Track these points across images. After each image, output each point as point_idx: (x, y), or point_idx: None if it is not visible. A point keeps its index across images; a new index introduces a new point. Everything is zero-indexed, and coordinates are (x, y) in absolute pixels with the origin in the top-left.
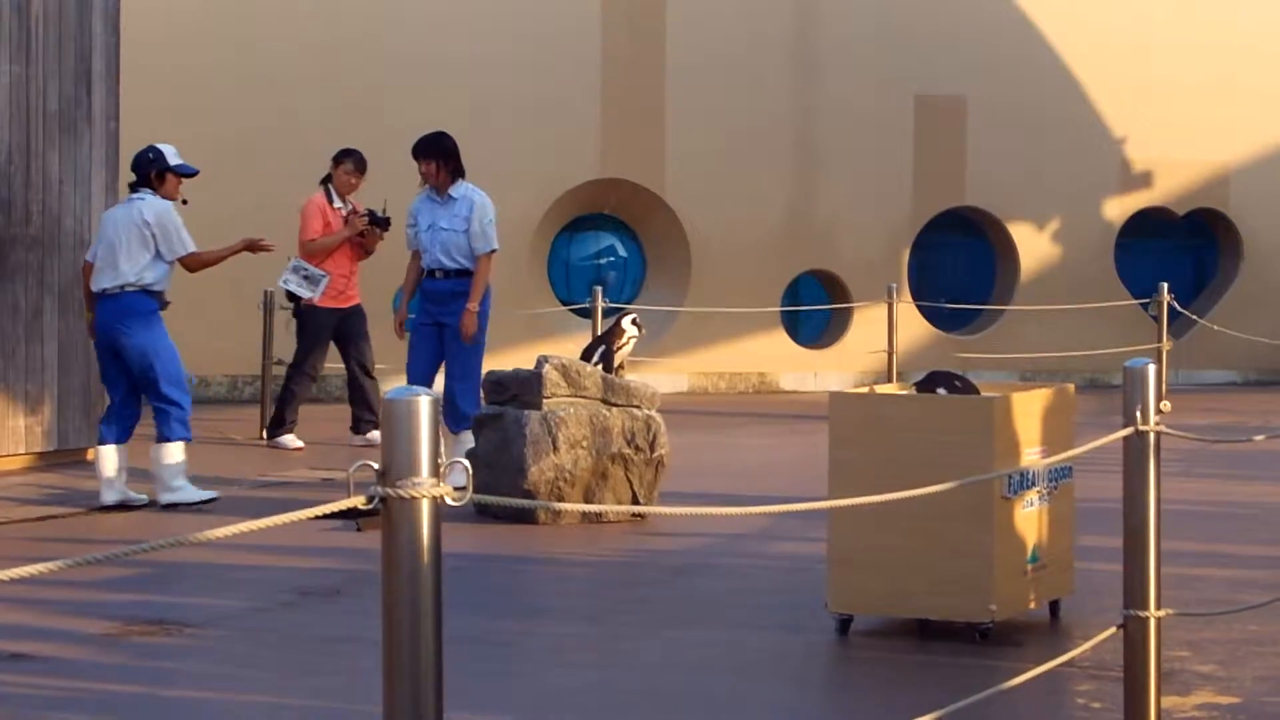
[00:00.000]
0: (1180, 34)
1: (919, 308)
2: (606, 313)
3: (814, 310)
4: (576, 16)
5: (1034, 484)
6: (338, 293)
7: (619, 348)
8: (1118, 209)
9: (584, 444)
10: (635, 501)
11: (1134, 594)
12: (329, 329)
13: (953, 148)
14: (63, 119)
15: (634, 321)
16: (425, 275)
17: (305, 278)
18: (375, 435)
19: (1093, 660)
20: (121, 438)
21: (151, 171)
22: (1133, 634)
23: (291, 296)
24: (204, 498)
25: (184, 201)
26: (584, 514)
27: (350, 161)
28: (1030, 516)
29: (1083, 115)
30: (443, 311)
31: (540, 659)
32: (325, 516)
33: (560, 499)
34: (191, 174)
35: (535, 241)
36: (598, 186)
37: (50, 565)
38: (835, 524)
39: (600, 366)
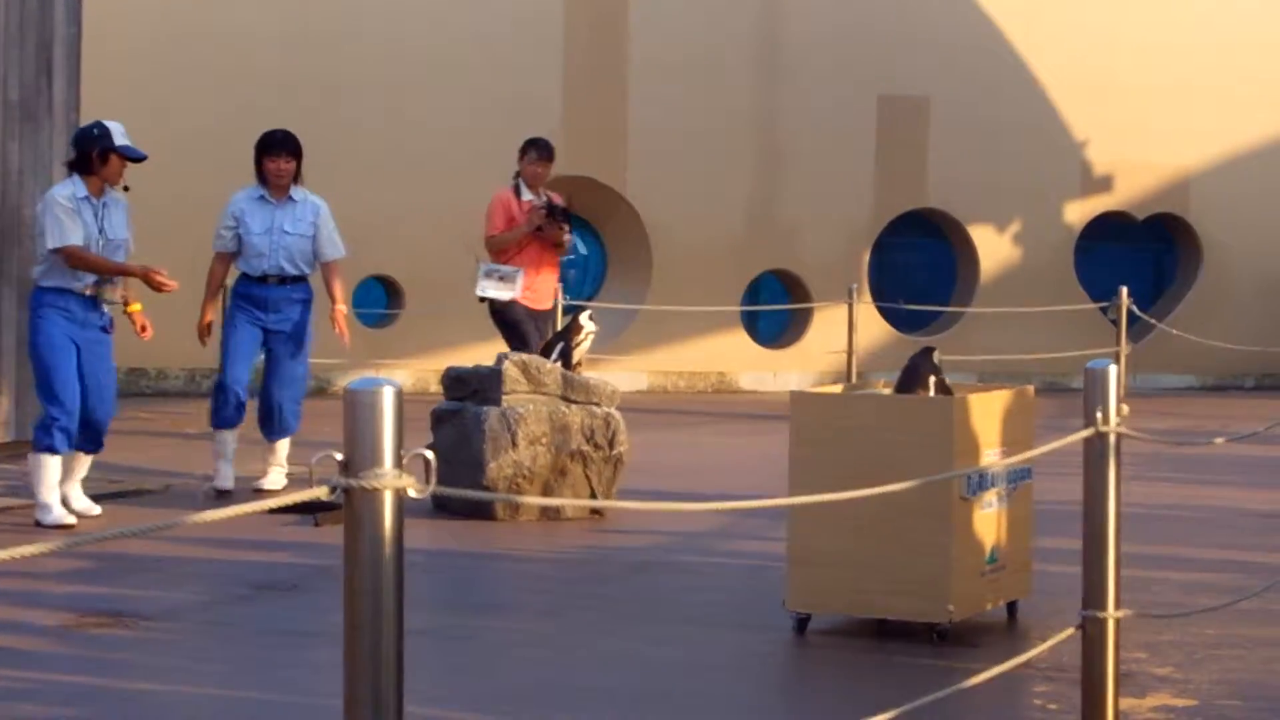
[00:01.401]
0: (1143, 37)
1: (879, 308)
2: (566, 310)
3: (774, 310)
4: (539, 13)
5: (993, 485)
6: (529, 289)
7: (577, 344)
8: (1078, 212)
9: (543, 441)
10: (594, 499)
11: (1093, 594)
12: (528, 322)
13: (914, 149)
14: (24, 109)
15: (590, 317)
16: (254, 280)
17: (500, 279)
18: None
19: (1050, 661)
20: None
21: (94, 150)
22: (1091, 635)
23: (493, 304)
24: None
25: (125, 188)
26: (542, 510)
27: (534, 150)
28: (989, 517)
29: (1044, 118)
30: (277, 319)
31: (498, 654)
32: (285, 510)
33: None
34: (138, 158)
35: None
36: (560, 184)
37: (1, 555)
38: (794, 523)
39: (560, 363)
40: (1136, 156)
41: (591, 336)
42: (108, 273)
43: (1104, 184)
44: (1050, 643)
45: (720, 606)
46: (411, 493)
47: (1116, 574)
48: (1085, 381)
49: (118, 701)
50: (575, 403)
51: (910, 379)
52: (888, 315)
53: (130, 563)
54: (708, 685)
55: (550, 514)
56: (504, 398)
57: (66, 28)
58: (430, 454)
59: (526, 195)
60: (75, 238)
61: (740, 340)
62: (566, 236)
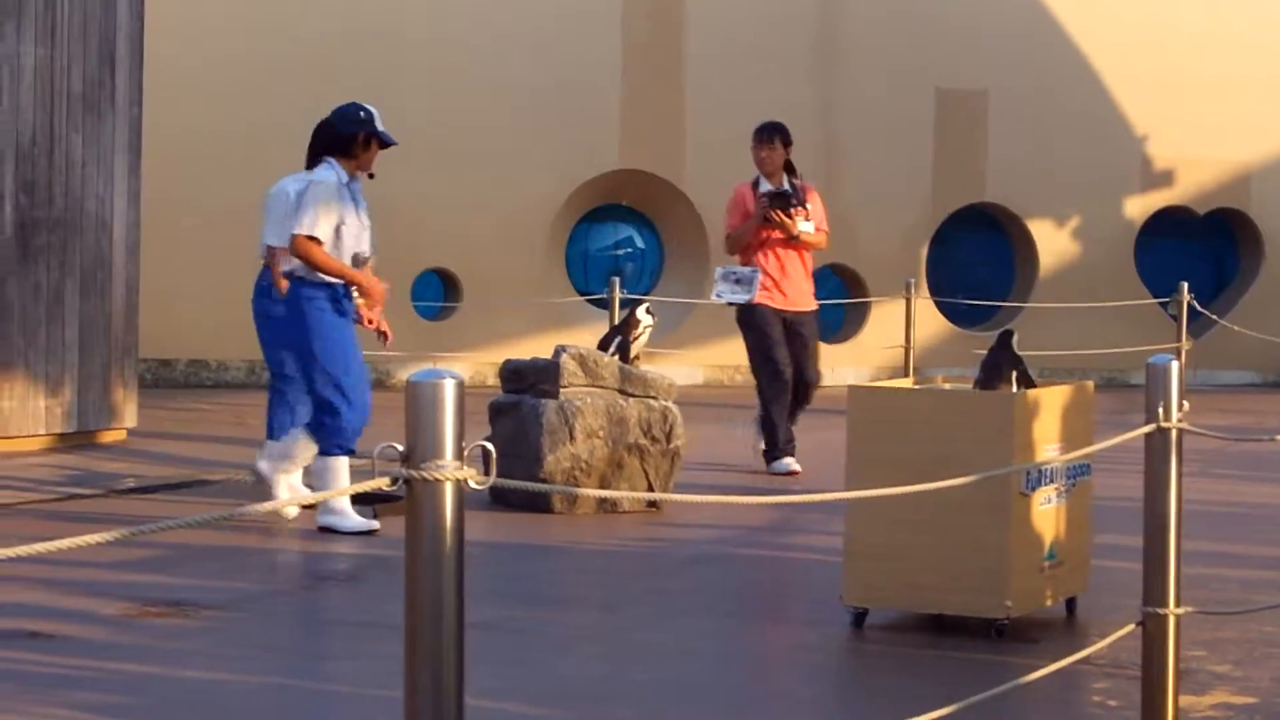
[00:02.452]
0: (1203, 30)
1: (936, 303)
2: (624, 304)
3: (831, 304)
4: (598, 4)
5: (1052, 480)
6: (772, 288)
7: (635, 338)
8: (1138, 207)
9: (600, 434)
10: (651, 492)
11: (1153, 591)
12: (776, 327)
13: (973, 142)
14: (86, 101)
15: (648, 310)
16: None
17: (736, 281)
18: (787, 462)
19: (1109, 658)
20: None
21: (360, 134)
22: (1151, 631)
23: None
24: (371, 526)
25: (371, 175)
26: (599, 503)
27: (756, 136)
28: (1048, 513)
29: (1104, 112)
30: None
31: (555, 647)
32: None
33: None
34: (392, 144)
35: (553, 231)
36: (617, 177)
37: (64, 543)
38: (852, 517)
39: (617, 357)
40: (1197, 151)
41: (650, 330)
42: (330, 271)
43: (1164, 179)
44: (1110, 639)
45: (776, 600)
46: (472, 484)
47: (1177, 570)
48: (1147, 377)
49: (178, 690)
50: (633, 396)
51: (992, 375)
52: (946, 310)
53: (191, 552)
54: (764, 679)
55: (607, 507)
56: (562, 391)
57: (130, 22)
58: (490, 446)
59: (764, 186)
60: (323, 231)
61: None
62: (792, 223)
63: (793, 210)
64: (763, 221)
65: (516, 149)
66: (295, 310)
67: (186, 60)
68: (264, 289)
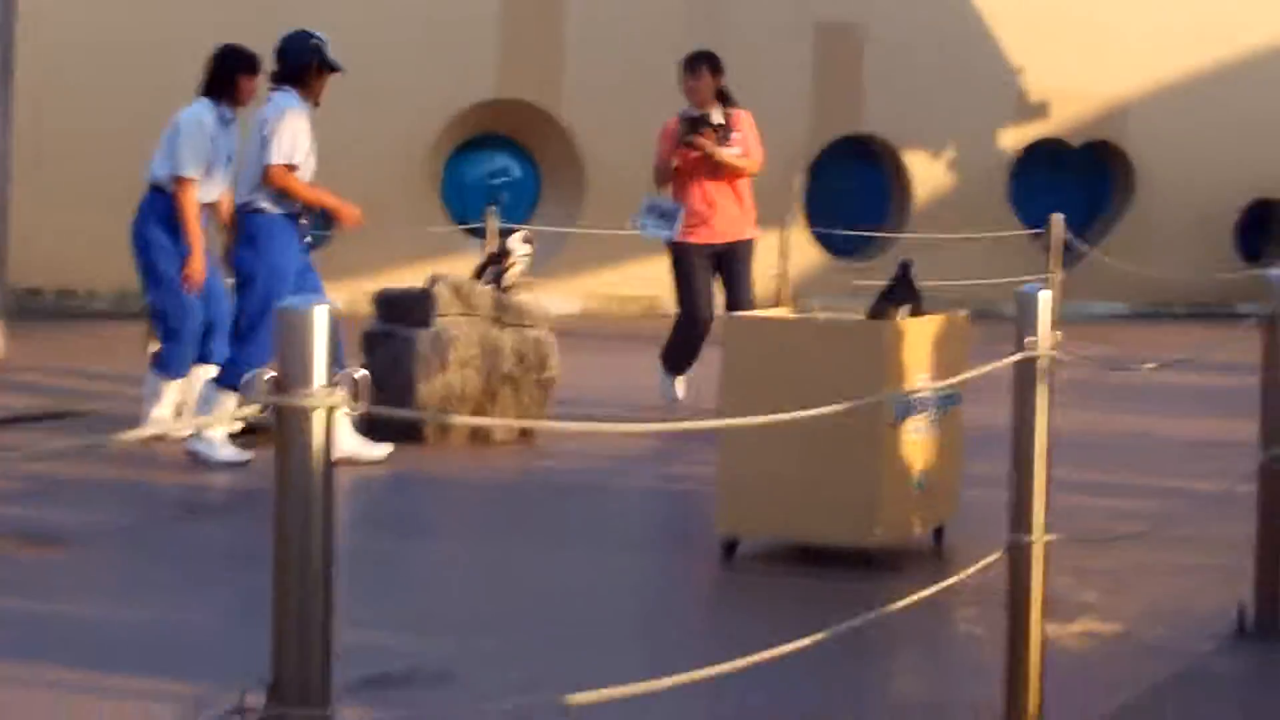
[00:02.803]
0: None
1: (813, 233)
2: (501, 233)
3: None
4: None
5: (922, 410)
6: (698, 223)
7: (509, 266)
8: (1013, 139)
9: (474, 364)
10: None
11: (1019, 519)
12: (703, 268)
13: (850, 75)
14: None
15: (525, 239)
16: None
17: (660, 215)
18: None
19: (976, 586)
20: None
21: (314, 62)
22: (1017, 559)
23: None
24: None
25: (317, 104)
26: (472, 434)
27: (683, 66)
28: (917, 442)
29: (980, 45)
30: None
31: (424, 577)
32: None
33: None
34: (340, 69)
35: (429, 160)
36: (494, 106)
37: None
38: (724, 447)
39: (492, 286)
40: (1072, 84)
41: (526, 259)
42: (311, 202)
43: (1039, 111)
44: (977, 567)
45: (649, 530)
46: (344, 410)
47: (1044, 499)
48: (1017, 306)
49: (45, 623)
50: (507, 325)
51: (883, 305)
52: (822, 240)
53: (58, 484)
54: (636, 608)
55: (480, 437)
56: (436, 320)
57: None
58: (363, 372)
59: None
60: (301, 160)
61: None
62: (712, 147)
63: (705, 134)
64: (685, 147)
65: (392, 77)
66: (249, 246)
67: (60, 67)
68: (157, 218)
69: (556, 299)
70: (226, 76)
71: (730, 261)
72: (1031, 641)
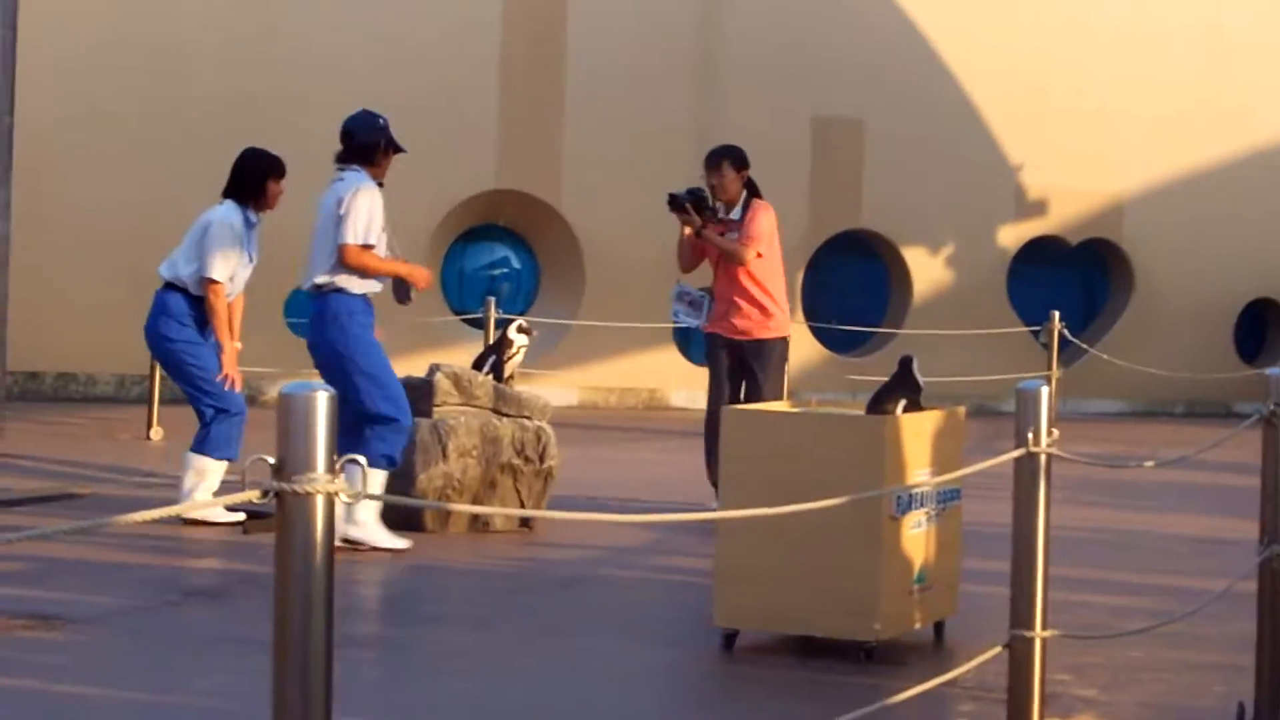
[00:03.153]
0: (1077, 63)
1: (811, 328)
2: (499, 324)
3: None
4: (475, 24)
5: (922, 505)
6: (719, 316)
7: (509, 357)
8: (1012, 236)
9: (473, 453)
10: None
11: (1020, 614)
12: (723, 361)
13: (849, 170)
14: None
15: (519, 329)
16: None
17: (690, 303)
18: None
19: (975, 681)
20: None
21: (381, 141)
22: (1018, 654)
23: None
24: (397, 545)
25: (380, 184)
26: (472, 522)
27: (704, 163)
28: (918, 537)
29: (979, 141)
30: None
31: (425, 666)
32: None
33: None
34: (402, 151)
35: (429, 250)
36: (493, 197)
37: None
38: (723, 538)
39: (491, 376)
40: (1070, 182)
41: (524, 350)
42: (388, 274)
43: (1038, 208)
44: (976, 661)
45: (648, 622)
46: (343, 498)
47: (1045, 594)
48: (1017, 402)
49: (45, 703)
50: (507, 415)
51: (882, 399)
52: (821, 335)
53: (57, 566)
54: (635, 700)
55: (479, 526)
56: (435, 409)
57: (2, 31)
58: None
59: (723, 213)
60: (375, 237)
61: (672, 357)
62: (692, 221)
63: (688, 208)
64: (672, 209)
65: (392, 167)
66: (335, 326)
67: (62, 76)
68: (174, 316)
69: (555, 390)
70: (256, 181)
71: (748, 362)
72: None
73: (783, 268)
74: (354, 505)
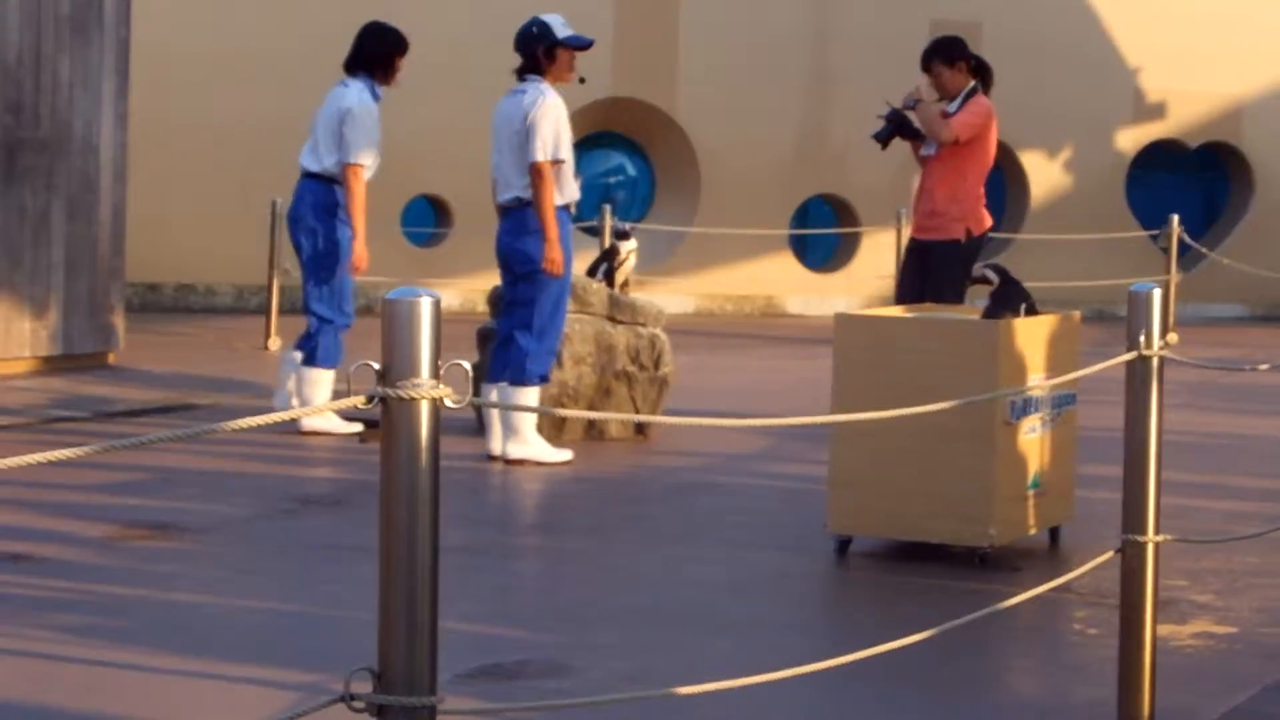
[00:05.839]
0: None
1: None
2: (614, 232)
3: (822, 234)
4: None
5: (1036, 409)
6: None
7: (620, 264)
8: (1130, 139)
9: (588, 360)
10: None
11: (1132, 519)
12: (909, 262)
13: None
14: (74, 23)
15: (618, 234)
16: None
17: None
18: None
19: (1090, 587)
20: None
21: (539, 48)
22: (1130, 559)
23: None
24: (560, 458)
25: (581, 80)
26: (586, 429)
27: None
28: (1032, 442)
29: (1097, 44)
30: None
31: (537, 572)
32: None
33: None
34: (586, 45)
35: None
36: (609, 105)
37: (37, 457)
38: (837, 445)
39: (604, 283)
40: (1189, 84)
41: (633, 255)
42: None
43: (1157, 111)
44: (1089, 566)
45: (762, 528)
46: (448, 402)
47: (1157, 498)
48: (1129, 305)
49: (162, 612)
50: (621, 323)
51: (1000, 305)
52: None
53: (174, 475)
54: (748, 605)
55: (594, 434)
56: None
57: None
58: (468, 364)
59: (949, 106)
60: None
61: (788, 264)
62: (920, 93)
63: (890, 134)
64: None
65: (509, 76)
66: (537, 239)
67: None
68: (322, 206)
69: (671, 298)
70: (385, 57)
71: (923, 264)
72: (1145, 642)
73: (979, 170)
74: (518, 424)
